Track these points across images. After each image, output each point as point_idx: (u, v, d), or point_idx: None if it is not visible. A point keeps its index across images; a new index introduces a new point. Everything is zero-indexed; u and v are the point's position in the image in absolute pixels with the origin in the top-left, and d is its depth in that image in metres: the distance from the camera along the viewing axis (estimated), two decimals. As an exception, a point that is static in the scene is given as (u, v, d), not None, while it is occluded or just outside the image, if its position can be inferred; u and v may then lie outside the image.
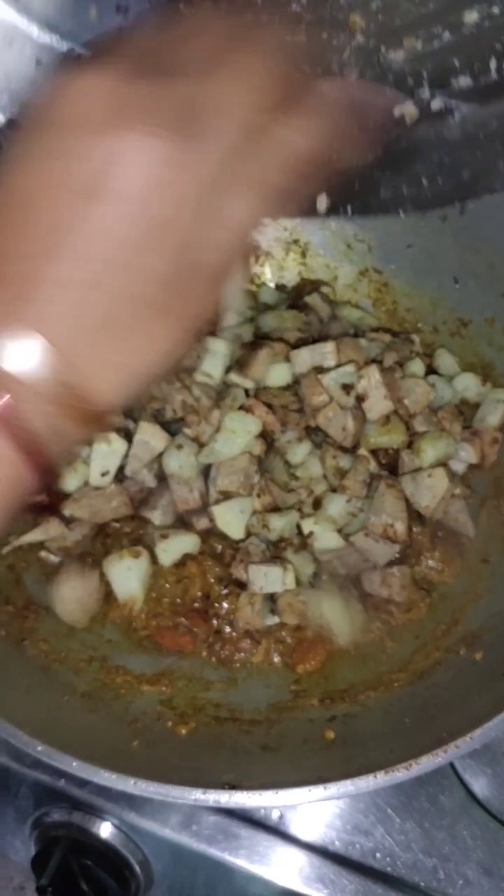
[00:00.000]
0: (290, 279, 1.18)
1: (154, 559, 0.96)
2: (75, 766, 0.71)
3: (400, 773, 0.68)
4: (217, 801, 0.69)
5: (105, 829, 0.94)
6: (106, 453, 0.96)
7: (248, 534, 0.97)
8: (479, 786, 0.93)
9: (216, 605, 0.94)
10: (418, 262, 1.10)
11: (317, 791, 0.68)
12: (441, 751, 0.68)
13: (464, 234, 1.05)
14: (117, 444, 0.96)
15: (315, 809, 0.91)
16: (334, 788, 0.68)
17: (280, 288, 1.18)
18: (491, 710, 0.71)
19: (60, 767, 0.71)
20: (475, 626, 0.88)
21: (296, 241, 1.17)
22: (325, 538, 0.95)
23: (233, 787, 0.70)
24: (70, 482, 0.97)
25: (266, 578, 0.92)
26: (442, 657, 0.86)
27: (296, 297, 1.16)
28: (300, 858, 0.89)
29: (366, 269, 1.15)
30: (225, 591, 0.95)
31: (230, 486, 0.96)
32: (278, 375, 1.01)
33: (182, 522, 0.99)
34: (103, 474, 0.96)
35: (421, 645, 0.90)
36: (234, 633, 0.93)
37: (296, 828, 0.91)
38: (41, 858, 0.97)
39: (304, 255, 1.17)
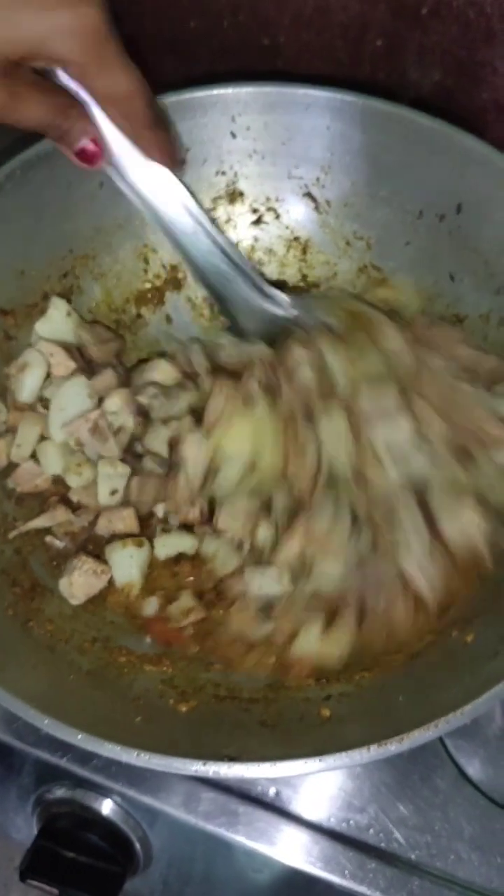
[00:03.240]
0: (291, 276, 1.21)
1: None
2: (80, 739, 0.73)
3: (393, 747, 0.70)
4: (217, 773, 0.71)
5: (106, 806, 0.97)
6: (111, 475, 0.98)
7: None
8: (473, 767, 0.96)
9: (208, 608, 0.94)
10: (416, 259, 1.12)
11: (312, 763, 0.70)
12: (433, 725, 0.70)
13: (460, 232, 1.07)
14: (122, 468, 0.99)
15: (312, 787, 0.94)
16: (330, 760, 0.70)
17: (281, 284, 1.20)
18: (481, 687, 0.73)
19: (66, 740, 0.73)
20: (467, 610, 0.90)
21: (296, 239, 1.19)
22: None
23: (232, 759, 0.72)
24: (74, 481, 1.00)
25: (263, 578, 0.92)
26: (435, 639, 0.88)
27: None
28: (297, 834, 0.91)
29: (364, 266, 1.17)
30: (217, 594, 0.95)
31: (231, 526, 0.94)
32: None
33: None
34: (112, 493, 0.99)
35: (415, 628, 0.92)
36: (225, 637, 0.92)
37: (293, 804, 0.93)
38: (43, 836, 0.99)
39: (304, 252, 1.19)
